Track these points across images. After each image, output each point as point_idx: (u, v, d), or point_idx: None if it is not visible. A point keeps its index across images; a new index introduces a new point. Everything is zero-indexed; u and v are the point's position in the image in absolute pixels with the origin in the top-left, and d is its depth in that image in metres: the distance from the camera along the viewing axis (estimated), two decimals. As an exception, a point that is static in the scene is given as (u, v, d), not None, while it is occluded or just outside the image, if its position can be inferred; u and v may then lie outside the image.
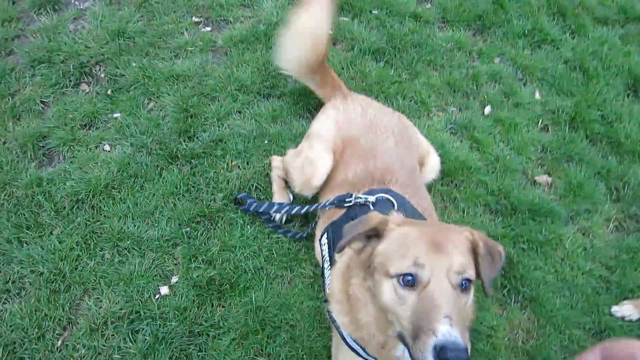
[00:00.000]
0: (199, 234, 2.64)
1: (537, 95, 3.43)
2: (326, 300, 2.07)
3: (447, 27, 3.85)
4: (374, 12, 3.84)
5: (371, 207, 1.97)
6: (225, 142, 3.01)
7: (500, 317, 2.54)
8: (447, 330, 1.21)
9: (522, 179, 3.03)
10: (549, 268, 2.69)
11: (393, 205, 1.97)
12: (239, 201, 2.70)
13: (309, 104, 3.20)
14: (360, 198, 2.03)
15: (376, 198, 2.00)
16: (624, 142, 3.22)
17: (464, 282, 1.36)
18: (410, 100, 3.28)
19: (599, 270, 2.72)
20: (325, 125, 2.54)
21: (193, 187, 2.83)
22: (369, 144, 2.33)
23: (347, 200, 2.08)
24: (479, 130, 3.17)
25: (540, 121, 3.31)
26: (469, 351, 1.23)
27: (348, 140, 2.42)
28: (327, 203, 2.21)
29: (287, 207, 2.49)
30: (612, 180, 3.06)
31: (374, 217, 1.55)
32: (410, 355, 1.35)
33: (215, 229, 2.68)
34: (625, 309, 2.60)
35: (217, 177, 2.86)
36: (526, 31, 3.84)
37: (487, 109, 3.31)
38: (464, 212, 2.83)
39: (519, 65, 3.61)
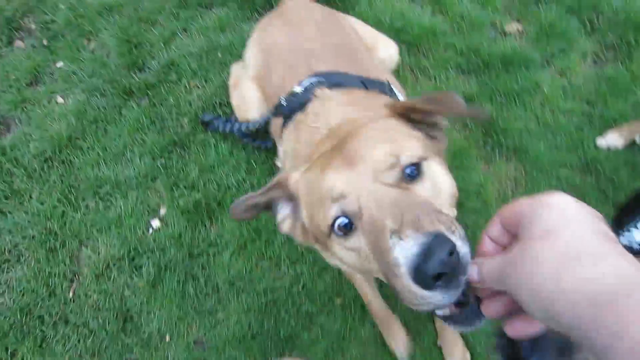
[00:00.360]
0: (174, 163, 2.60)
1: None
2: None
3: None
4: None
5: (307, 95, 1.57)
6: (177, 65, 2.87)
7: (487, 173, 2.55)
8: (403, 247, 0.82)
9: (492, 32, 2.90)
10: (530, 116, 2.65)
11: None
12: (206, 123, 2.62)
13: (255, 4, 3.00)
14: (286, 96, 1.65)
15: (304, 87, 1.59)
16: (592, -31, 3.03)
17: (408, 170, 0.99)
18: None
19: (580, 106, 2.68)
20: (252, 52, 2.23)
21: (156, 118, 2.74)
22: (287, 41, 1.97)
23: (278, 106, 1.69)
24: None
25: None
26: (451, 230, 0.84)
27: (268, 51, 2.09)
28: (265, 118, 1.92)
29: (244, 125, 2.18)
30: (584, 13, 2.91)
31: (280, 177, 1.19)
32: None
33: (189, 153, 2.63)
34: (609, 139, 2.60)
35: (178, 102, 2.76)
36: None
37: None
38: (435, 79, 2.74)
39: None
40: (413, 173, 0.99)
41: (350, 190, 0.96)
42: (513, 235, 0.73)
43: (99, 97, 2.82)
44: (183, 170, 2.57)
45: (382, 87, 1.64)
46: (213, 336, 2.26)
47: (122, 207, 2.49)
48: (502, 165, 2.57)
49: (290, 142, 1.58)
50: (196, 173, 2.55)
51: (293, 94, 1.60)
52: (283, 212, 1.22)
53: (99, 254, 2.42)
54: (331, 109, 1.43)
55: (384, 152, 0.99)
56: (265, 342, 2.24)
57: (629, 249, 1.25)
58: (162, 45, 2.98)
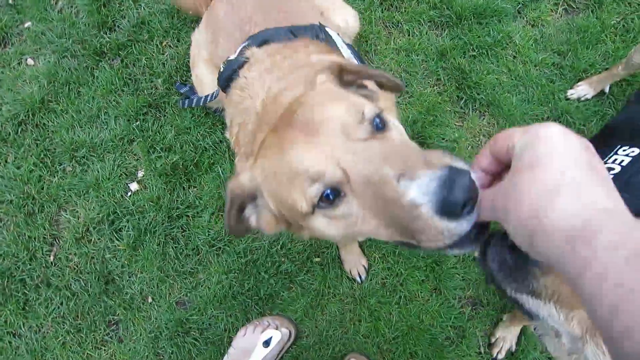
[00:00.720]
0: (150, 125, 2.59)
1: None
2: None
3: None
4: None
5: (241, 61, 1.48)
6: (148, 24, 2.81)
7: (461, 129, 2.60)
8: (420, 186, 0.78)
9: (465, -16, 2.87)
10: (502, 69, 2.68)
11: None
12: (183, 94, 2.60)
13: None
14: (223, 64, 1.55)
15: (238, 52, 1.51)
16: None
17: (376, 121, 0.94)
18: None
19: (551, 58, 2.71)
20: (202, 33, 2.15)
21: (130, 79, 2.70)
22: (227, 11, 1.87)
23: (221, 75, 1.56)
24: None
25: None
26: (455, 162, 0.83)
27: (213, 27, 2.00)
28: (214, 93, 1.85)
29: (202, 100, 2.04)
30: (557, -39, 2.89)
31: (231, 186, 1.09)
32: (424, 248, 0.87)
33: (165, 115, 2.62)
34: (580, 90, 2.65)
35: (151, 62, 2.72)
36: None
37: None
38: (409, 34, 2.73)
39: None
40: (380, 125, 0.94)
41: (325, 161, 0.89)
42: (502, 165, 0.75)
43: (69, 58, 2.77)
44: (159, 133, 2.57)
45: (313, 32, 1.58)
46: (195, 297, 2.34)
47: (100, 171, 2.51)
48: (475, 119, 2.62)
49: (230, 111, 1.51)
50: (172, 135, 2.55)
51: (228, 62, 1.52)
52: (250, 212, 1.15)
53: (78, 217, 2.45)
54: (255, 80, 1.36)
55: (345, 110, 0.94)
56: (246, 302, 2.33)
57: None
58: (132, 2, 2.89)
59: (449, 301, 2.35)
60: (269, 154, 1.00)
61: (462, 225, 0.76)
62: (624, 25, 2.78)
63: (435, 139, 2.53)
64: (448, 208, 0.74)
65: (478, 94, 2.62)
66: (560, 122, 2.60)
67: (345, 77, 1.11)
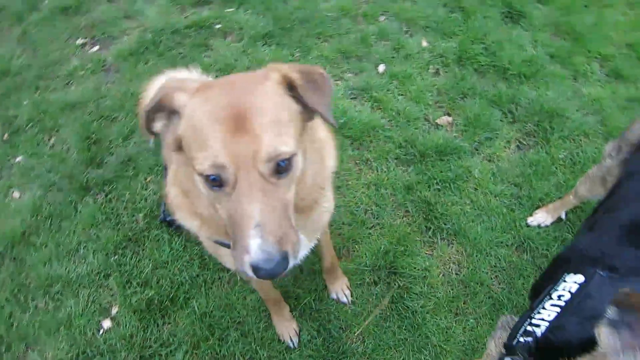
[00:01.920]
0: (128, 259, 2.64)
1: (424, 43, 3.59)
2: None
3: (331, -1, 3.92)
4: (256, -4, 3.85)
5: None
6: (135, 161, 2.99)
7: (431, 257, 2.71)
8: (260, 246, 1.06)
9: (425, 125, 3.19)
10: (465, 200, 2.88)
11: None
12: (170, 222, 2.71)
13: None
14: None
15: None
16: (509, 67, 3.44)
17: (281, 164, 1.12)
18: (307, 76, 3.35)
19: (509, 189, 2.94)
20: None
21: (112, 213, 2.81)
22: None
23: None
24: (377, 90, 3.29)
25: (431, 67, 3.47)
26: (293, 254, 1.13)
27: None
28: None
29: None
30: (505, 105, 3.27)
31: (163, 87, 1.21)
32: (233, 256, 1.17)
33: (143, 249, 2.68)
34: (538, 217, 2.83)
35: (134, 197, 2.85)
36: (402, -17, 3.97)
37: (381, 67, 3.44)
38: (377, 170, 2.97)
39: (402, 18, 3.74)
40: (283, 167, 1.13)
41: (231, 164, 1.08)
42: None
43: (55, 192, 2.89)
44: (137, 267, 2.61)
45: None
46: None
47: (73, 307, 2.49)
48: (444, 248, 2.75)
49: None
50: (150, 269, 2.59)
51: None
52: (161, 121, 1.26)
53: (45, 358, 2.37)
54: None
55: (268, 140, 1.09)
56: None
57: (532, 334, 1.38)
58: (121, 141, 3.11)
59: None
60: (203, 110, 1.13)
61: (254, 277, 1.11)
62: (571, 159, 3.08)
63: (407, 269, 2.62)
64: (253, 268, 1.09)
65: (445, 224, 2.79)
66: (524, 248, 2.74)
67: (293, 83, 1.21)
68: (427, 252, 2.73)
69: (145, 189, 2.89)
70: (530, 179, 2.97)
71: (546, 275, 1.68)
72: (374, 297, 2.57)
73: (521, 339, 1.39)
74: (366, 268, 2.63)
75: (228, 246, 1.47)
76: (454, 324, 2.52)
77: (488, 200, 2.89)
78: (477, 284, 2.62)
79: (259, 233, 1.07)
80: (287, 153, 1.11)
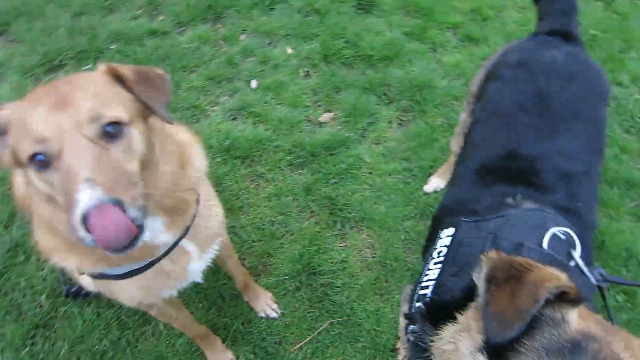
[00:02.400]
0: (41, 347, 2.44)
1: (289, 50, 3.69)
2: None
3: (186, 29, 3.92)
4: (112, 47, 3.77)
5: None
6: (23, 245, 2.79)
7: (345, 248, 2.77)
8: (89, 195, 1.01)
9: (309, 126, 3.28)
10: (363, 186, 2.98)
11: None
12: (76, 292, 2.55)
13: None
14: None
15: None
16: (372, 54, 3.63)
17: (108, 128, 1.12)
18: (184, 110, 3.33)
19: (401, 165, 3.09)
20: None
21: (11, 306, 2.59)
22: None
23: None
24: (255, 105, 3.34)
25: (300, 71, 3.58)
26: (133, 204, 1.08)
27: None
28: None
29: None
30: (377, 89, 3.44)
31: None
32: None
33: (55, 331, 2.50)
34: (433, 183, 3.00)
35: (32, 281, 2.66)
36: (254, 1, 4.07)
37: (254, 83, 3.49)
38: (274, 180, 3.00)
39: (262, 32, 3.83)
40: (112, 132, 1.12)
41: (52, 134, 1.06)
42: None
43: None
44: (52, 352, 2.42)
45: None
46: None
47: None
48: (355, 236, 2.82)
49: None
50: (67, 349, 2.42)
51: None
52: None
53: None
54: None
55: (89, 107, 1.10)
56: None
57: (424, 298, 1.42)
58: (3, 228, 2.89)
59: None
60: (28, 100, 1.16)
61: (88, 236, 1.04)
62: (448, 123, 3.29)
63: (325, 265, 2.66)
64: (83, 220, 1.02)
65: (350, 213, 2.86)
66: (427, 215, 2.88)
67: (125, 79, 1.23)
68: (340, 245, 2.79)
69: (42, 269, 2.70)
70: (417, 151, 3.14)
71: (429, 237, 1.75)
72: (300, 302, 2.58)
73: (416, 305, 1.42)
74: (286, 277, 2.64)
75: (115, 277, 1.44)
76: (381, 305, 2.59)
77: (384, 180, 3.02)
78: (393, 260, 2.72)
79: (88, 185, 1.02)
80: (112, 117, 1.12)
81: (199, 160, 1.57)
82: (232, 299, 2.58)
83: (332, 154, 3.09)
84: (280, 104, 3.37)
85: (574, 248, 1.33)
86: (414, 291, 1.50)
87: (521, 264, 0.99)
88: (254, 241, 2.77)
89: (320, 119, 3.30)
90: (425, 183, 3.02)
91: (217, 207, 1.76)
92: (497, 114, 1.69)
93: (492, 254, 1.05)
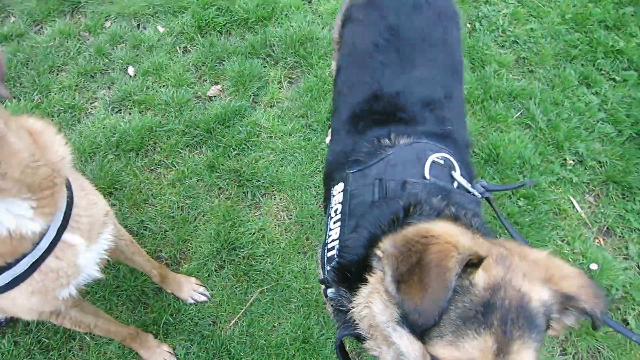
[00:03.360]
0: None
1: (161, 29, 3.50)
2: None
3: (43, 27, 3.57)
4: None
5: None
6: None
7: (261, 216, 2.78)
8: None
9: (199, 102, 3.18)
10: (266, 152, 2.97)
11: None
12: None
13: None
14: None
15: None
16: (247, 16, 3.52)
17: None
18: (61, 113, 3.09)
19: (299, 122, 3.09)
20: None
21: None
22: None
23: None
24: (137, 93, 3.16)
25: (177, 48, 3.42)
26: None
27: None
28: None
29: None
30: (261, 52, 3.38)
31: None
32: None
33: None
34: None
35: None
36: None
37: (130, 70, 3.29)
38: (174, 166, 2.90)
39: (128, 14, 3.58)
40: None
41: None
42: None
43: None
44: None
45: None
46: None
47: None
48: (268, 202, 2.82)
49: None
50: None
51: None
52: None
53: None
54: None
55: None
56: None
57: (331, 260, 1.44)
58: None
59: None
60: None
61: None
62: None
63: (243, 238, 2.66)
64: None
65: (258, 182, 2.85)
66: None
67: None
68: (255, 215, 2.79)
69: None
70: (312, 105, 3.15)
71: (325, 196, 1.77)
72: (226, 279, 2.57)
73: (328, 268, 1.42)
74: (207, 258, 2.61)
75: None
76: (307, 263, 2.64)
77: (285, 142, 3.01)
78: (310, 217, 2.77)
79: None
80: None
81: (58, 145, 1.49)
82: (156, 293, 2.52)
83: (228, 127, 3.03)
84: (164, 86, 3.22)
85: (454, 169, 1.41)
86: (322, 254, 1.50)
87: (418, 242, 1.00)
88: (166, 231, 2.69)
89: (209, 93, 3.20)
90: (326, 135, 3.05)
91: (95, 196, 1.70)
92: (355, 58, 1.72)
93: (388, 245, 1.05)
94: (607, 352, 2.49)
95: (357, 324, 1.25)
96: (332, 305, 1.40)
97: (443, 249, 0.97)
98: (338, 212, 1.47)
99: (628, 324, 2.56)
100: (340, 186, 1.50)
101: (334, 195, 1.53)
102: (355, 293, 1.23)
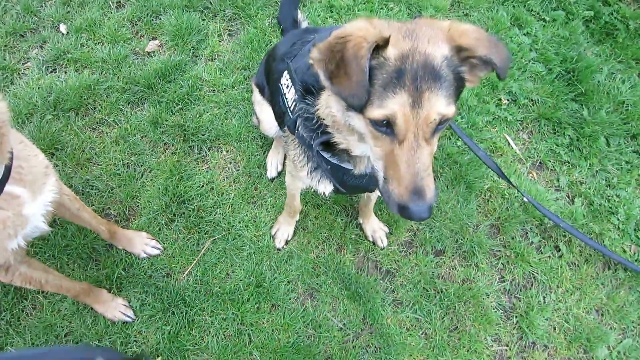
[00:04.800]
0: None
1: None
2: None
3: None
4: None
5: None
6: None
7: (209, 170, 2.80)
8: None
9: (137, 58, 3.10)
10: (209, 105, 2.96)
11: None
12: None
13: None
14: None
15: None
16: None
17: None
18: None
19: (241, 74, 3.08)
20: None
21: None
22: None
23: None
24: (71, 51, 3.06)
25: (111, 2, 3.28)
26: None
27: None
28: None
29: None
30: (198, 5, 3.29)
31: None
32: None
33: None
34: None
35: None
36: None
37: (62, 28, 3.16)
38: (116, 124, 2.87)
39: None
40: None
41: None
42: None
43: None
44: None
45: None
46: None
47: None
48: (215, 155, 2.84)
49: None
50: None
51: None
52: None
53: None
54: None
55: None
56: None
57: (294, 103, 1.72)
58: None
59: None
60: None
61: None
62: (272, 20, 3.28)
63: (192, 191, 2.68)
64: None
65: (204, 135, 2.86)
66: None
67: None
68: (203, 168, 2.81)
69: None
70: (254, 57, 3.14)
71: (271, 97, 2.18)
72: (178, 232, 2.61)
73: (292, 116, 1.74)
74: (157, 213, 2.64)
75: None
76: (256, 212, 2.71)
77: (228, 94, 3.01)
78: (257, 167, 2.82)
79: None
80: None
81: None
82: (107, 250, 2.54)
83: (169, 82, 2.99)
84: (99, 43, 3.11)
85: None
86: (284, 117, 1.83)
87: (337, 43, 1.20)
88: (112, 188, 2.69)
89: (147, 49, 3.13)
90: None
91: (33, 148, 1.72)
92: None
93: (316, 53, 1.25)
94: (541, 276, 2.71)
95: (325, 126, 1.56)
96: (299, 115, 1.67)
97: (356, 42, 1.18)
98: (289, 82, 1.77)
99: (560, 249, 2.78)
100: (285, 74, 1.81)
101: (282, 84, 1.82)
102: (318, 99, 1.56)
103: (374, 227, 2.68)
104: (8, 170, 1.49)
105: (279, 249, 2.63)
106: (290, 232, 2.65)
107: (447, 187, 2.85)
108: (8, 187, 1.50)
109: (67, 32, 3.15)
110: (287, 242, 2.66)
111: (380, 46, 1.20)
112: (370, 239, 2.69)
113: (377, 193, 2.21)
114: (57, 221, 2.52)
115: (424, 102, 1.18)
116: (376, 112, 1.20)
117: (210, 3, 3.31)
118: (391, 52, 1.20)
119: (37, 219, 1.66)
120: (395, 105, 1.18)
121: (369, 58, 1.16)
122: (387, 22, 1.28)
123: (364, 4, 3.38)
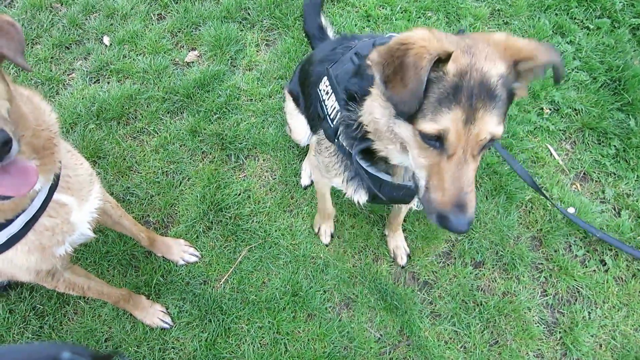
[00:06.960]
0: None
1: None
2: None
3: (14, 1, 3.52)
4: None
5: None
6: None
7: (246, 178, 2.82)
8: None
9: (177, 69, 3.17)
10: (247, 114, 2.99)
11: None
12: None
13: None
14: None
15: None
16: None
17: None
18: (38, 86, 3.07)
19: (278, 83, 3.10)
20: None
21: None
22: None
23: None
24: (114, 62, 3.15)
25: (152, 15, 3.37)
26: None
27: None
28: None
29: None
30: (236, 15, 3.34)
31: None
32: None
33: (-33, 344, 2.38)
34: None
35: None
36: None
37: (106, 40, 3.26)
38: (156, 132, 2.92)
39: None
40: None
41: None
42: None
43: None
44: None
45: None
46: None
47: None
48: (252, 164, 2.86)
49: None
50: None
51: None
52: None
53: None
54: None
55: None
56: None
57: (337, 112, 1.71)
58: None
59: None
60: None
61: None
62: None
63: (229, 199, 2.70)
64: None
65: (241, 144, 2.88)
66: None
67: None
68: (240, 176, 2.83)
69: None
70: (290, 66, 3.16)
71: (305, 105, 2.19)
72: (215, 240, 2.63)
73: (333, 123, 1.72)
74: (194, 221, 2.66)
75: None
76: (292, 220, 2.71)
77: (265, 103, 3.03)
78: (293, 176, 2.82)
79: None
80: None
81: (45, 106, 1.58)
82: (146, 256, 2.58)
83: (207, 91, 3.04)
84: (141, 54, 3.20)
85: None
86: (318, 121, 1.85)
87: (398, 49, 1.20)
88: (152, 196, 2.73)
89: (187, 59, 3.19)
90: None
91: (79, 157, 1.78)
92: None
93: (375, 55, 1.25)
94: (586, 291, 2.60)
95: (365, 133, 1.55)
96: (341, 123, 1.67)
97: (418, 52, 1.17)
98: (329, 88, 1.76)
99: (605, 264, 2.67)
100: (324, 80, 1.79)
101: (321, 89, 1.81)
102: (361, 106, 1.55)
103: (398, 244, 2.64)
104: (57, 178, 1.54)
105: (327, 244, 2.66)
106: (331, 226, 2.66)
107: (486, 197, 2.78)
108: (57, 195, 1.55)
109: (110, 44, 3.25)
110: (332, 236, 2.67)
111: (441, 60, 1.20)
112: (392, 254, 2.65)
113: (409, 205, 2.17)
114: (99, 227, 2.57)
115: (477, 120, 1.19)
116: (429, 125, 1.21)
117: (249, 14, 3.36)
118: (451, 67, 1.20)
119: (84, 226, 1.71)
120: (449, 121, 1.19)
121: (428, 70, 1.16)
122: (446, 35, 1.28)
123: (402, 13, 3.36)
